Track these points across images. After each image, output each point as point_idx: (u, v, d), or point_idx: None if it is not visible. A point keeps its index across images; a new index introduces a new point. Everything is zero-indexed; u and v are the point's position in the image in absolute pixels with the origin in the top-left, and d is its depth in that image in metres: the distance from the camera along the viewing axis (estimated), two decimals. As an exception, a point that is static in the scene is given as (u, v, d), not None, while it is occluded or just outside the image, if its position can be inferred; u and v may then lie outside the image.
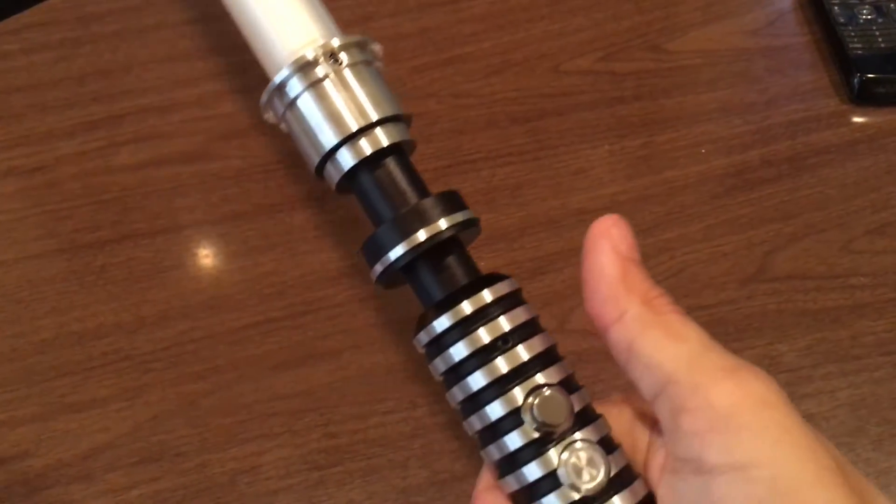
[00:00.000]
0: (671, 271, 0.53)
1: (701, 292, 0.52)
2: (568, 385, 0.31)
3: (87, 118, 0.60)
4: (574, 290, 0.52)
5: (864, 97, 0.60)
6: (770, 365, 0.49)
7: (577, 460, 0.29)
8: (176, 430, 0.47)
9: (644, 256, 0.53)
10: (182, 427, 0.47)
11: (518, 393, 0.30)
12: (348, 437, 0.47)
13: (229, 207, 0.56)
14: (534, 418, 0.30)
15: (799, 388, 0.48)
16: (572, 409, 0.30)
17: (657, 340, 0.29)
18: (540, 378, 0.30)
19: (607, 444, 0.31)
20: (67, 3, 0.67)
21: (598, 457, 0.30)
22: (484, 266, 0.53)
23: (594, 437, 0.30)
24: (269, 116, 0.35)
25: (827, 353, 0.49)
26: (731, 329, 0.50)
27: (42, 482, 0.46)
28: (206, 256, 0.54)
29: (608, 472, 0.29)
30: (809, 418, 0.47)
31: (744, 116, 0.60)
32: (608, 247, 0.31)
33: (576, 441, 0.30)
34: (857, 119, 0.60)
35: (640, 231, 0.55)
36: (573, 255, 0.54)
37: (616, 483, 0.30)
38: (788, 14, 0.67)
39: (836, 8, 0.64)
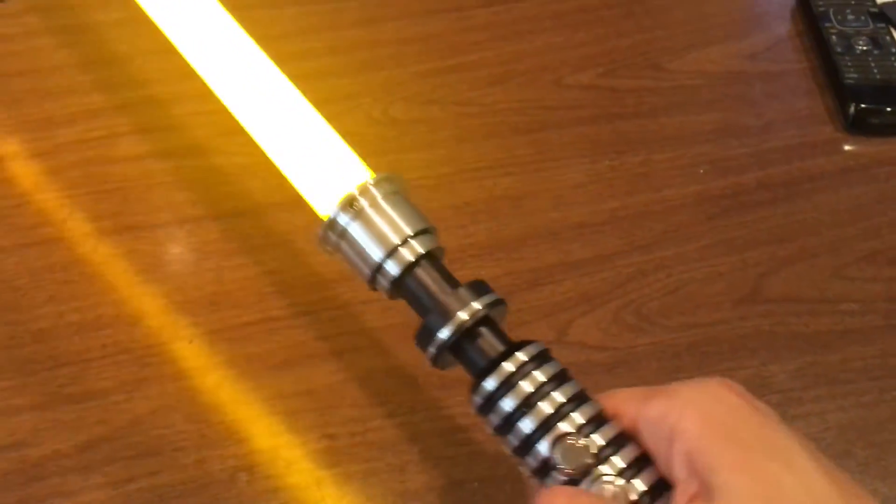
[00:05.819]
0: (668, 289, 0.54)
1: (696, 311, 0.53)
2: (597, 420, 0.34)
3: (89, 106, 0.60)
4: (572, 303, 0.53)
5: (858, 126, 0.62)
6: (762, 385, 0.50)
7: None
8: (175, 426, 0.47)
9: (641, 273, 0.55)
10: (181, 422, 0.47)
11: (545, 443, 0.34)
12: (347, 439, 0.47)
13: (232, 204, 0.56)
14: (560, 463, 0.33)
15: (790, 409, 0.49)
16: (588, 450, 0.33)
17: None
18: (563, 427, 0.34)
19: (639, 463, 0.33)
20: (69, -12, 0.67)
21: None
22: (484, 274, 0.54)
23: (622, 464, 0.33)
24: (327, 248, 0.41)
25: (817, 376, 0.51)
26: (724, 348, 0.51)
27: (38, 472, 0.45)
28: (208, 252, 0.54)
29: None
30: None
31: (741, 139, 0.61)
32: None
33: (601, 476, 0.33)
34: (850, 147, 0.62)
35: (639, 247, 0.56)
36: (572, 268, 0.54)
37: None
38: (786, 41, 0.68)
39: (833, 37, 0.65)
